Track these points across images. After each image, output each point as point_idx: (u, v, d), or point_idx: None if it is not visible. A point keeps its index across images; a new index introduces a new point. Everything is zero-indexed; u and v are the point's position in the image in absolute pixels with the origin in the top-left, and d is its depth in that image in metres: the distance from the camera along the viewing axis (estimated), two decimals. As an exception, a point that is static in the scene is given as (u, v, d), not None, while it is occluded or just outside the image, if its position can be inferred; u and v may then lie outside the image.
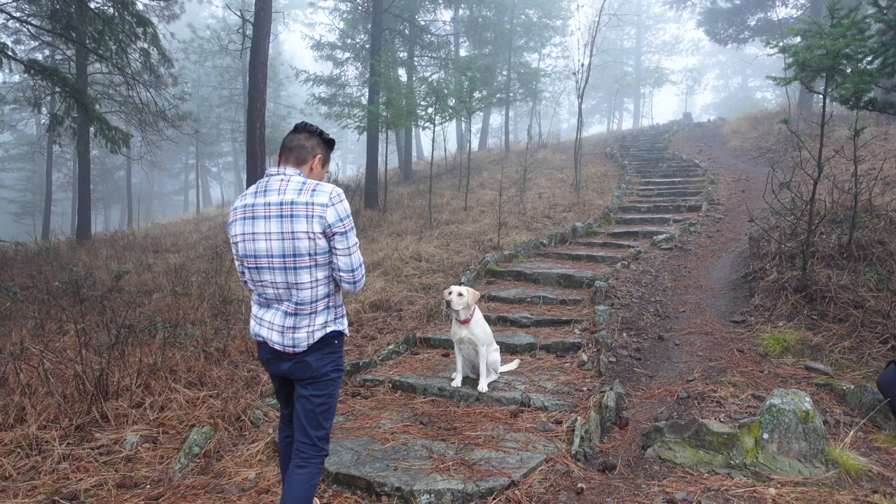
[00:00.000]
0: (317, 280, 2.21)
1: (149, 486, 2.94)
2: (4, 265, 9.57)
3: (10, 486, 2.89)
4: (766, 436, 2.85)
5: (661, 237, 8.08)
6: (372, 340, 5.37)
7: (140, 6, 11.03)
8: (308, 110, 26.14)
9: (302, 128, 2.32)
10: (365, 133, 13.82)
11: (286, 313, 2.22)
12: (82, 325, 4.79)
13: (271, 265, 2.19)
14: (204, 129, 25.87)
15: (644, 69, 35.68)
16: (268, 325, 2.26)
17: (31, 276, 8.46)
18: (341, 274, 2.24)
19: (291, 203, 2.14)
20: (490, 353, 4.02)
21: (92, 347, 4.47)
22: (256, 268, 2.23)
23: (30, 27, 12.23)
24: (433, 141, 12.53)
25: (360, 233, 10.52)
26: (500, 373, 4.25)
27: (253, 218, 2.21)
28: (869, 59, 5.08)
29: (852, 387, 3.51)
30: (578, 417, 3.33)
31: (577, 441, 3.09)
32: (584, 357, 4.50)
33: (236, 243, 2.28)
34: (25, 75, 9.73)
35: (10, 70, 9.15)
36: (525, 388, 4.00)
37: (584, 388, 3.96)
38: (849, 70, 5.03)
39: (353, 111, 16.45)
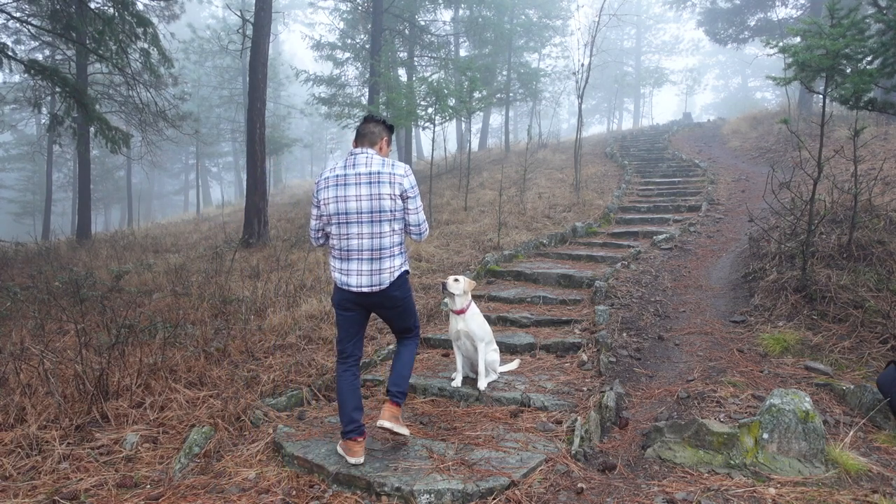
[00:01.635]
0: (393, 231, 2.96)
1: (149, 486, 2.94)
2: (4, 265, 9.58)
3: (10, 485, 2.90)
4: (765, 436, 2.85)
5: (661, 237, 8.08)
6: (372, 340, 5.36)
7: (140, 6, 11.03)
8: (308, 110, 26.17)
9: (370, 118, 3.11)
10: (365, 133, 13.80)
11: (371, 259, 2.93)
12: (82, 325, 4.79)
13: (360, 220, 2.90)
14: (204, 129, 25.87)
15: (644, 69, 35.66)
16: (356, 272, 2.94)
17: (32, 276, 8.46)
18: (411, 227, 3.04)
19: (378, 173, 2.90)
20: (489, 353, 4.02)
21: (92, 347, 4.47)
22: (346, 223, 2.92)
23: (30, 27, 12.22)
24: (433, 141, 12.53)
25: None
26: (501, 373, 4.25)
27: (345, 185, 2.92)
28: (869, 59, 5.08)
29: (852, 387, 3.51)
30: (578, 417, 3.32)
31: (577, 441, 3.09)
32: (584, 357, 4.50)
33: (328, 204, 2.95)
34: (25, 75, 9.73)
35: (11, 70, 9.15)
36: (525, 388, 4.00)
37: (584, 388, 3.96)
38: (849, 70, 5.03)
39: (353, 111, 16.46)
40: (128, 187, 27.93)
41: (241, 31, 12.20)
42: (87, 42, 9.76)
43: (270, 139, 20.38)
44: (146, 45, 9.93)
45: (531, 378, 4.22)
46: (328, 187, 2.94)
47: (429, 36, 19.81)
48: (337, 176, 2.93)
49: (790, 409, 2.86)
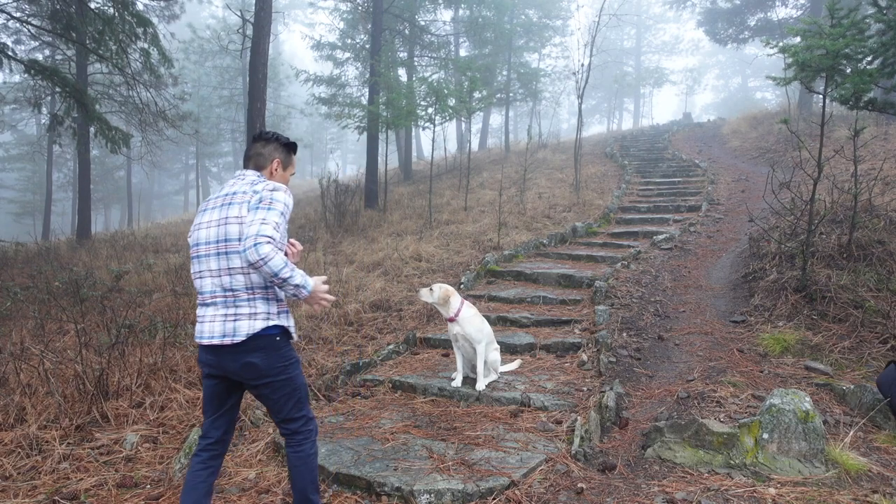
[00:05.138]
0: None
1: (149, 486, 2.94)
2: (4, 265, 9.58)
3: (10, 485, 2.90)
4: (766, 436, 2.85)
5: (661, 237, 8.08)
6: (372, 340, 5.37)
7: (140, 6, 11.03)
8: (308, 110, 26.14)
9: (258, 136, 2.42)
10: (365, 133, 13.82)
11: (226, 303, 2.20)
12: (82, 325, 4.79)
13: (208, 252, 2.22)
14: (204, 129, 25.82)
15: (644, 69, 35.66)
16: (209, 318, 2.21)
17: (32, 276, 8.46)
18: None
19: (234, 193, 2.24)
20: (489, 353, 4.02)
21: (92, 347, 4.47)
22: (197, 257, 2.26)
23: (30, 27, 12.22)
24: (433, 141, 12.52)
25: (360, 232, 10.53)
26: (501, 373, 4.25)
27: (206, 210, 2.30)
28: (869, 59, 5.08)
29: (852, 387, 3.51)
30: (578, 417, 3.33)
31: (577, 441, 3.10)
32: (584, 357, 4.50)
33: (189, 237, 2.36)
34: (26, 75, 9.72)
35: (11, 70, 9.15)
36: (525, 388, 4.00)
37: (584, 388, 3.96)
38: (849, 70, 5.03)
39: (353, 111, 16.42)
40: (128, 187, 27.91)
41: (241, 31, 12.21)
42: (87, 42, 9.75)
43: (270, 139, 20.29)
44: (146, 45, 9.92)
45: (531, 378, 4.22)
46: (196, 215, 2.35)
47: (429, 36, 19.80)
48: (207, 200, 2.34)
49: (790, 409, 2.86)
